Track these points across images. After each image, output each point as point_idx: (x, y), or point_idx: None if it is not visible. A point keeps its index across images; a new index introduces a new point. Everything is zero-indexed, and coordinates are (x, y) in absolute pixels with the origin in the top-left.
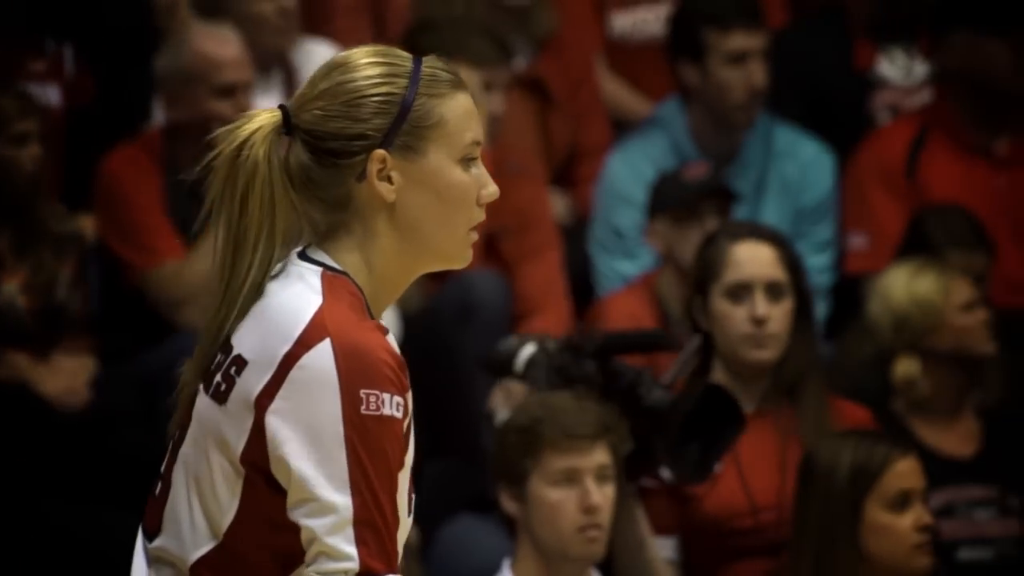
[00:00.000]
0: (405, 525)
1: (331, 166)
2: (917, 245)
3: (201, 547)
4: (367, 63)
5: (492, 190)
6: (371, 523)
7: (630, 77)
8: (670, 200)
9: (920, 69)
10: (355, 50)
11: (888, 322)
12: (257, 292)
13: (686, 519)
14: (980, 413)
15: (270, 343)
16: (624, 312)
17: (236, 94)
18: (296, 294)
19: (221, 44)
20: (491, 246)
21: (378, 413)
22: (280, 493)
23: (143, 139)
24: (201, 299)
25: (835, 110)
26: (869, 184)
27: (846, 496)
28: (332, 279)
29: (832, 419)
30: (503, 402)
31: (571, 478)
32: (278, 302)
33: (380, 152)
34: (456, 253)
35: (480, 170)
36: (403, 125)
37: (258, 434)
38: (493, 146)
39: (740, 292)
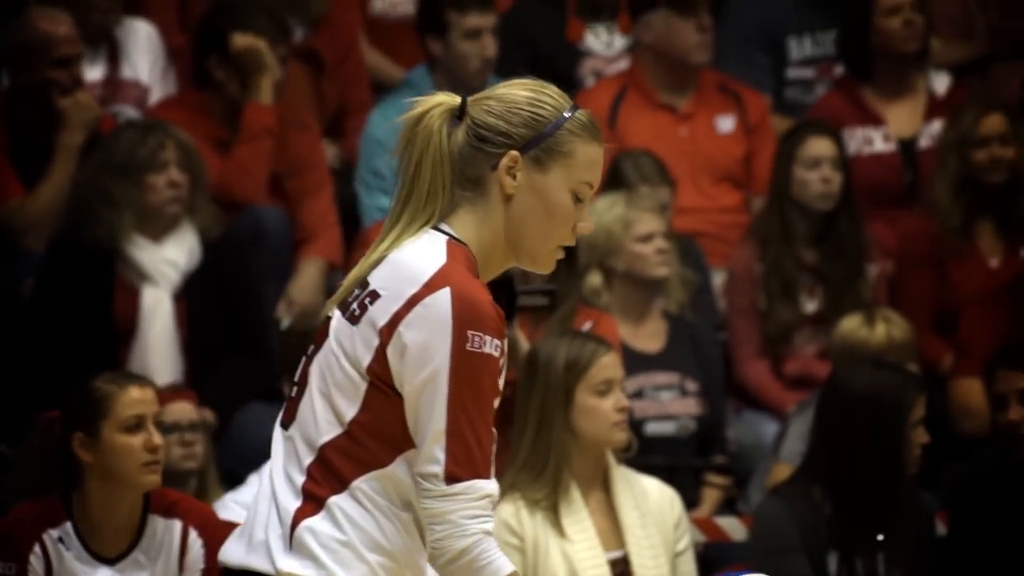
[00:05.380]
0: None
1: (477, 150)
2: (616, 182)
3: (329, 433)
4: (537, 88)
5: (587, 226)
6: (461, 437)
7: (387, 48)
8: None
9: (619, 42)
10: (535, 80)
11: (583, 244)
12: (396, 245)
13: None
14: (665, 316)
15: (400, 284)
16: None
17: (69, 65)
18: (425, 251)
19: (56, 24)
20: (276, 185)
21: (480, 351)
22: (395, 398)
23: None
24: (41, 228)
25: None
26: None
27: (561, 384)
28: (454, 246)
29: (576, 325)
30: (287, 311)
31: None
32: (411, 255)
33: (515, 153)
34: (542, 259)
35: (584, 208)
36: (541, 143)
37: (381, 354)
38: (278, 104)
39: None
